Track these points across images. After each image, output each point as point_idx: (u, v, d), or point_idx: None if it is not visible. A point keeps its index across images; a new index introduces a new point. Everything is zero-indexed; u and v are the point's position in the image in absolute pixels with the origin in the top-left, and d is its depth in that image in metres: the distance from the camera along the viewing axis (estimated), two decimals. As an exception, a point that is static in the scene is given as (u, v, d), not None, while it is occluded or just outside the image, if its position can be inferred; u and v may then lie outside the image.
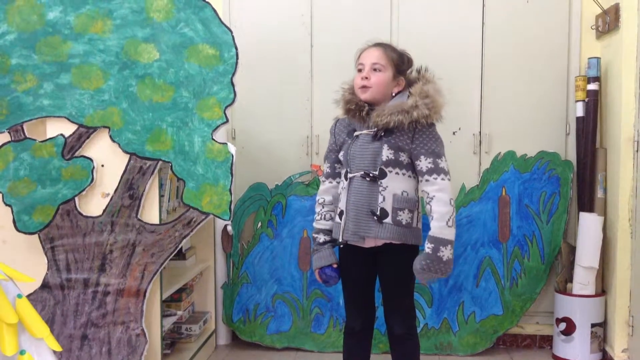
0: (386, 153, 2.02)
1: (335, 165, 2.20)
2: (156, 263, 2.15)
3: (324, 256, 2.14)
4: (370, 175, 2.03)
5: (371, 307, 2.20)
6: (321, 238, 2.17)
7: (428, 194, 2.02)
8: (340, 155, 2.14)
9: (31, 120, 2.14)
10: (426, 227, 2.07)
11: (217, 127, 2.17)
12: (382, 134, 2.04)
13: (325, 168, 2.24)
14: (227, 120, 2.19)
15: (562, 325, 2.81)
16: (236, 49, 2.15)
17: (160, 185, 2.27)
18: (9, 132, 2.15)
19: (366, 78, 2.05)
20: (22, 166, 2.14)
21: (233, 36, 2.16)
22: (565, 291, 2.84)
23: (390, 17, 2.98)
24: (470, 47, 2.97)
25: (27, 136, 2.15)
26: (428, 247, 1.99)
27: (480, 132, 2.98)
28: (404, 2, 2.97)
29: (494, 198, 2.94)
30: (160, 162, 2.16)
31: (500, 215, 2.94)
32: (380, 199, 2.03)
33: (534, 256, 2.93)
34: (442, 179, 2.02)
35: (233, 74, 2.16)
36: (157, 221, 2.19)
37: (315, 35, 3.05)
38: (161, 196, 2.27)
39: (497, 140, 2.97)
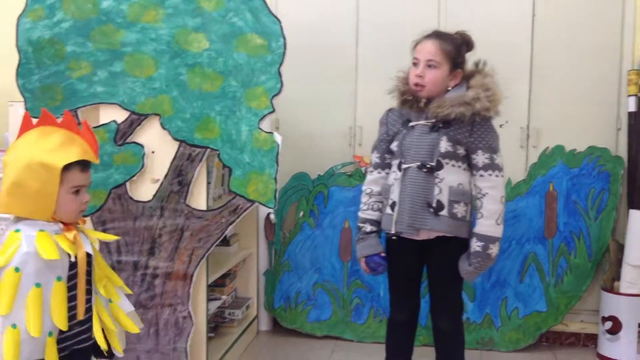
0: (445, 145, 2.00)
1: (385, 155, 2.17)
2: (203, 248, 2.19)
3: (371, 244, 2.13)
4: (427, 166, 2.00)
5: (417, 299, 2.19)
6: (367, 227, 2.15)
7: (480, 190, 2.00)
8: (394, 146, 2.11)
9: (85, 106, 2.21)
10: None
11: (264, 116, 2.19)
12: (441, 125, 2.01)
13: (374, 158, 2.21)
14: (274, 110, 2.21)
15: (608, 324, 2.75)
16: (284, 38, 2.16)
17: (208, 174, 2.31)
18: (64, 118, 2.21)
19: (420, 76, 2.02)
20: (76, 151, 2.20)
21: (281, 26, 2.17)
22: (612, 289, 2.77)
23: (439, 6, 2.94)
24: (519, 38, 2.91)
25: (81, 122, 2.21)
26: (477, 245, 1.97)
27: (528, 125, 2.93)
28: (453, -8, 2.94)
29: (541, 193, 2.89)
30: (208, 150, 2.19)
31: (546, 211, 2.88)
32: (437, 190, 2.00)
33: (580, 253, 2.87)
34: (496, 176, 2.00)
35: (280, 64, 2.17)
36: (204, 207, 2.23)
37: (361, 25, 3.04)
38: (208, 183, 2.31)
39: (546, 134, 2.92)
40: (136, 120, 2.19)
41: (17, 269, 1.35)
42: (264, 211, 3.07)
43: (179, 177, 2.20)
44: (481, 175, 2.00)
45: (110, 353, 1.56)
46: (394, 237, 2.07)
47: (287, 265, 3.08)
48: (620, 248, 2.79)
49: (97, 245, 1.57)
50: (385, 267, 2.14)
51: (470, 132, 2.00)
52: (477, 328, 2.91)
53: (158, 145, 2.20)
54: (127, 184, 2.20)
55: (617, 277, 2.78)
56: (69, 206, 1.45)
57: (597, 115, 2.89)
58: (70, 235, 1.44)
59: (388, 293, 2.28)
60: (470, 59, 2.14)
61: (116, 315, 1.59)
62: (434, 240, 2.05)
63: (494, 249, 1.98)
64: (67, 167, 1.42)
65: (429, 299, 2.17)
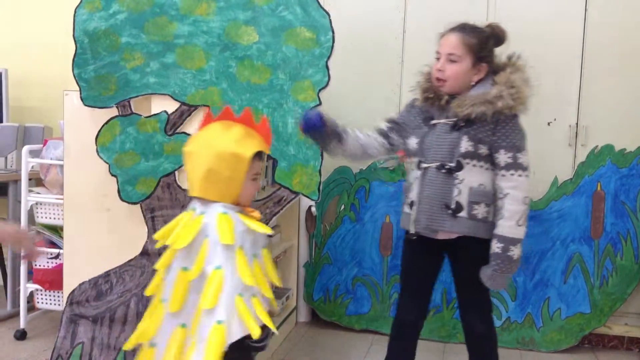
0: (465, 145, 1.91)
1: (391, 127, 2.12)
2: (248, 238, 2.23)
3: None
4: (446, 167, 1.93)
5: (427, 301, 2.13)
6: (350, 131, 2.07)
7: (502, 190, 1.91)
8: (414, 143, 2.03)
9: (137, 96, 2.26)
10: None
11: (311, 109, 2.20)
12: (462, 124, 1.92)
13: (382, 124, 2.15)
14: (320, 103, 2.23)
15: (655, 329, 2.69)
16: (333, 32, 2.18)
17: (252, 164, 2.34)
18: (117, 107, 2.28)
19: (441, 70, 1.94)
20: (128, 140, 2.27)
21: (330, 20, 2.18)
22: (660, 293, 2.71)
23: (487, 3, 2.91)
24: (571, 35, 2.85)
25: (134, 111, 2.27)
26: (497, 246, 1.89)
27: (577, 123, 2.87)
28: (503, -14, 2.90)
29: (588, 193, 2.84)
30: (255, 141, 2.22)
31: (593, 211, 2.83)
32: (456, 192, 1.92)
33: (627, 255, 2.81)
34: (519, 175, 1.90)
35: (328, 58, 2.18)
36: (249, 198, 2.26)
37: (408, 20, 3.03)
38: (253, 174, 2.34)
39: (595, 133, 2.86)
40: (186, 111, 2.24)
41: (240, 247, 1.53)
42: (305, 204, 3.10)
43: (226, 168, 2.24)
44: (503, 175, 1.91)
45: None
46: (413, 237, 2.01)
47: (327, 258, 3.11)
48: (670, 251, 2.72)
49: None
50: (319, 119, 1.93)
51: (494, 130, 1.91)
52: (517, 327, 2.88)
53: (206, 136, 2.25)
54: (176, 172, 2.25)
55: (665, 281, 2.71)
56: (249, 191, 1.63)
57: (649, 114, 2.82)
58: (256, 214, 1.63)
59: (396, 306, 2.20)
60: (522, 55, 1.99)
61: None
62: (456, 239, 1.97)
63: (515, 251, 1.89)
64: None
65: (458, 302, 2.11)
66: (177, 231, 1.59)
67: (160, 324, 1.61)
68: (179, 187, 2.25)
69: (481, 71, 1.94)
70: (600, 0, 2.82)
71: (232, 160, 1.56)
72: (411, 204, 2.00)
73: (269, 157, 2.24)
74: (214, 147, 1.58)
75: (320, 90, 2.21)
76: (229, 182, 1.57)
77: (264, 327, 1.53)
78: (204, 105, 2.22)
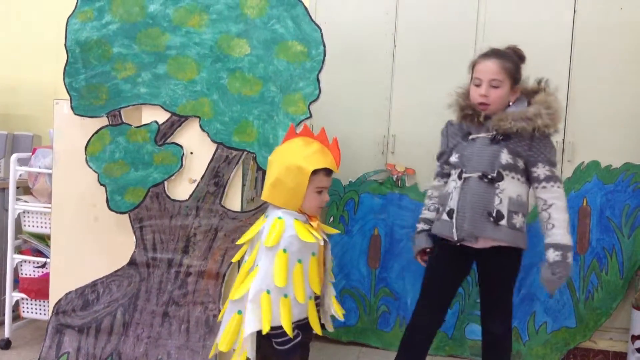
0: (506, 157, 2.05)
1: (444, 165, 2.25)
2: (236, 248, 2.22)
3: (420, 241, 2.25)
4: (489, 176, 2.05)
5: (445, 309, 2.21)
6: (419, 227, 2.27)
7: (546, 201, 2.05)
8: (454, 158, 2.15)
9: (128, 106, 2.27)
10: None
11: (301, 121, 2.22)
12: (501, 138, 2.06)
13: (438, 167, 2.30)
14: (311, 116, 2.24)
15: (638, 343, 2.71)
16: (324, 46, 2.20)
17: (243, 176, 2.35)
18: (107, 117, 2.28)
19: (485, 96, 2.07)
20: (118, 149, 2.27)
21: (322, 34, 2.21)
22: (644, 309, 2.74)
23: (477, 16, 2.94)
24: (558, 50, 2.89)
25: (124, 121, 2.28)
26: (556, 254, 2.01)
27: (563, 139, 2.91)
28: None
29: (574, 208, 2.86)
30: (245, 153, 2.24)
31: (579, 226, 2.86)
32: (497, 200, 2.04)
33: (612, 270, 2.84)
34: (559, 187, 2.06)
35: (319, 71, 2.21)
36: (238, 209, 2.27)
37: (398, 35, 3.06)
38: (243, 185, 2.35)
39: (581, 149, 2.89)
40: (177, 121, 2.25)
41: (285, 250, 1.69)
42: (294, 215, 3.10)
43: (215, 179, 2.25)
44: (544, 187, 2.05)
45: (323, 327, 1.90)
46: (457, 244, 2.09)
47: (316, 270, 3.11)
48: (654, 267, 2.75)
49: None
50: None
51: (530, 146, 2.05)
52: (512, 346, 2.88)
53: (197, 147, 2.26)
54: (166, 183, 2.26)
55: (649, 296, 2.74)
56: (313, 202, 1.78)
57: (634, 131, 2.85)
58: (315, 223, 1.78)
59: (415, 301, 2.28)
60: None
61: (329, 297, 1.92)
62: (490, 249, 2.08)
63: (570, 257, 2.03)
64: (315, 172, 1.75)
65: (481, 307, 2.21)
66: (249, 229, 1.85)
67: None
68: (168, 197, 2.25)
69: (516, 92, 2.11)
70: (588, 17, 2.87)
71: (297, 172, 1.74)
72: (450, 212, 2.10)
73: (259, 168, 2.26)
74: (286, 159, 1.77)
75: (311, 103, 2.23)
76: (293, 192, 1.75)
77: (296, 330, 1.71)
78: (195, 116, 2.23)
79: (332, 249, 3.08)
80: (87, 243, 2.34)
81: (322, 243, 1.78)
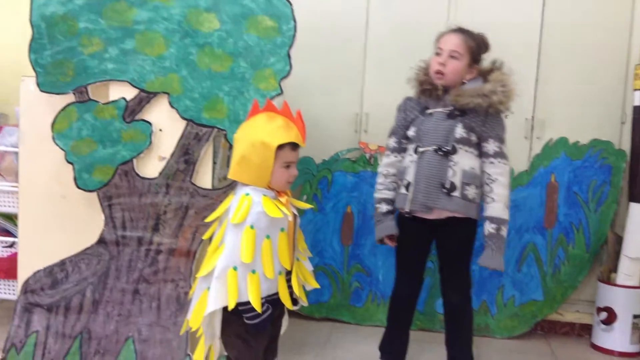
0: (460, 131, 2.14)
1: (402, 140, 2.30)
2: (207, 226, 2.21)
3: (387, 227, 2.28)
4: (443, 150, 2.14)
5: (421, 275, 2.34)
6: (384, 207, 2.29)
7: (490, 175, 2.15)
8: (412, 132, 2.24)
9: (95, 82, 2.23)
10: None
11: (272, 98, 2.20)
12: (457, 113, 2.15)
13: (392, 143, 2.33)
14: (282, 92, 2.23)
15: (603, 315, 2.80)
16: (295, 21, 2.18)
17: (214, 154, 2.33)
18: (74, 93, 2.24)
19: (442, 64, 2.16)
20: (85, 126, 2.23)
21: (292, 9, 2.18)
22: (609, 281, 2.81)
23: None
24: (528, 30, 2.92)
25: (91, 98, 2.24)
26: (491, 227, 2.13)
27: (533, 117, 2.95)
28: (463, -19, 2.94)
29: (543, 184, 2.92)
30: (215, 130, 2.22)
31: (547, 202, 2.92)
32: (451, 173, 2.13)
33: (579, 244, 2.91)
34: (505, 164, 2.16)
35: (290, 47, 2.19)
36: (209, 186, 2.26)
37: (371, 14, 3.05)
38: (214, 163, 2.34)
39: (550, 126, 2.94)
40: (145, 98, 2.22)
41: (252, 226, 1.67)
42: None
43: (185, 156, 2.23)
44: (491, 162, 2.15)
45: (294, 302, 1.86)
46: (407, 215, 2.21)
47: (289, 247, 3.12)
48: (619, 240, 2.82)
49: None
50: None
51: (484, 122, 2.15)
52: (473, 315, 2.94)
53: (166, 124, 2.23)
54: (134, 160, 2.23)
55: (614, 268, 2.82)
56: (281, 177, 1.76)
57: (602, 108, 2.91)
58: (283, 199, 1.77)
59: (387, 277, 2.37)
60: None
61: (303, 272, 1.91)
62: (445, 220, 2.18)
63: (504, 231, 2.13)
64: (281, 146, 1.72)
65: (440, 277, 2.30)
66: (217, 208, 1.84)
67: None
68: (137, 175, 2.23)
69: (473, 72, 2.20)
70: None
71: (262, 148, 1.72)
72: (407, 185, 2.19)
73: (231, 146, 2.24)
74: (250, 135, 1.75)
75: (282, 79, 2.21)
76: (259, 169, 1.73)
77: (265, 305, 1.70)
78: (164, 93, 2.20)
79: (305, 226, 3.14)
80: (56, 222, 2.31)
81: (290, 219, 1.78)
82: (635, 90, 2.80)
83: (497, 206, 2.12)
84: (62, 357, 2.21)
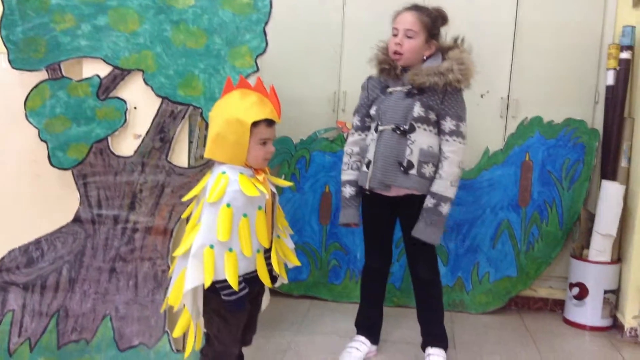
0: (418, 110, 2.15)
1: (365, 119, 2.32)
2: (183, 204, 2.22)
3: (350, 215, 2.31)
4: (401, 129, 2.15)
5: (389, 248, 2.40)
6: (347, 192, 2.32)
7: (444, 153, 2.16)
8: (373, 110, 2.26)
9: (68, 59, 2.20)
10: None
11: (248, 75, 2.20)
12: (416, 92, 2.16)
13: (355, 121, 2.35)
14: (258, 69, 2.22)
15: (575, 290, 2.86)
16: (270, -2, 2.17)
17: (190, 132, 2.32)
18: (46, 70, 2.21)
19: (399, 44, 2.16)
20: (58, 104, 2.21)
21: (267, -15, 2.17)
22: (581, 257, 2.87)
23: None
24: (504, 10, 2.94)
25: (64, 75, 2.21)
26: (430, 202, 2.14)
27: (508, 96, 2.98)
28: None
29: (517, 163, 2.96)
30: (190, 108, 2.21)
31: (522, 180, 2.96)
32: (408, 151, 2.15)
33: (552, 222, 2.96)
34: (460, 143, 2.16)
35: (266, 23, 2.18)
36: (185, 165, 2.25)
37: (348, -8, 3.04)
38: (190, 142, 2.33)
39: (525, 105, 2.97)
40: (119, 75, 2.20)
41: (228, 205, 1.68)
42: (245, 172, 3.09)
43: (160, 134, 2.22)
44: (446, 140, 2.16)
45: (274, 279, 1.89)
46: (367, 192, 2.25)
47: (267, 226, 3.13)
48: (591, 217, 2.88)
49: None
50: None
51: (442, 99, 2.15)
52: (448, 291, 3.00)
53: (140, 101, 2.21)
54: (109, 138, 2.22)
55: (586, 245, 2.88)
56: (257, 155, 1.76)
57: (576, 87, 2.95)
58: (261, 177, 1.77)
59: (364, 255, 2.40)
60: (455, 32, 2.26)
61: (283, 249, 1.92)
62: (404, 197, 2.20)
63: (444, 208, 2.14)
64: (256, 123, 1.72)
65: (406, 254, 2.33)
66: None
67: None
68: (112, 153, 2.22)
69: (431, 47, 2.20)
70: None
71: (237, 126, 1.71)
72: (368, 164, 2.22)
73: (207, 125, 2.24)
74: (225, 113, 1.74)
75: (258, 56, 2.20)
76: (235, 146, 1.72)
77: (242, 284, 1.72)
78: (138, 70, 2.18)
79: (283, 206, 3.13)
80: (30, 200, 2.29)
81: (268, 197, 1.78)
82: (609, 69, 2.85)
83: (442, 183, 2.13)
84: (39, 335, 2.21)
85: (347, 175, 2.33)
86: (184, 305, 1.78)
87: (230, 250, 1.70)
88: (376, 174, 2.19)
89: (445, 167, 2.14)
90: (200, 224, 1.71)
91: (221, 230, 1.67)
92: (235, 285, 1.68)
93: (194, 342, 1.84)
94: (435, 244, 2.20)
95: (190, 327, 1.82)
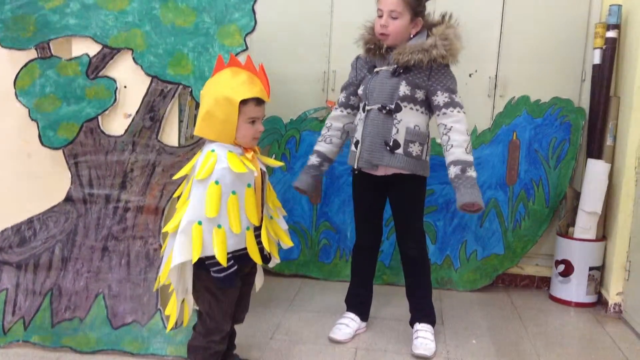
0: (403, 89, 2.15)
1: (351, 97, 2.35)
2: (174, 183, 2.24)
3: (302, 180, 2.37)
4: (387, 108, 2.16)
5: (379, 227, 2.43)
6: (312, 160, 2.37)
7: (445, 125, 2.13)
8: (360, 90, 2.27)
9: (57, 38, 2.19)
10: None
11: (238, 54, 2.20)
12: (401, 70, 2.16)
13: (341, 97, 2.38)
14: (247, 48, 2.22)
15: (561, 267, 2.91)
16: (259, -24, 2.17)
17: (180, 111, 2.33)
18: (35, 49, 2.20)
19: (384, 26, 2.16)
20: (48, 83, 2.20)
21: (256, -37, 2.17)
22: (566, 235, 2.92)
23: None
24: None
25: (53, 54, 2.20)
26: (456, 169, 2.06)
27: (496, 75, 3.00)
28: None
29: (505, 142, 2.99)
30: (180, 87, 2.21)
31: (509, 159, 3.00)
32: (394, 131, 2.16)
33: (539, 200, 3.01)
34: (459, 112, 2.14)
35: (255, 2, 2.18)
36: (176, 144, 2.27)
37: (337, -31, 3.03)
38: (180, 121, 2.34)
39: (513, 85, 3.00)
40: (109, 54, 2.20)
41: (217, 182, 1.70)
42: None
43: (150, 113, 2.22)
44: (444, 113, 2.14)
45: (267, 259, 1.93)
46: (356, 172, 2.29)
47: (258, 206, 3.15)
48: (577, 196, 2.93)
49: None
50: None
51: (429, 76, 2.15)
52: (437, 269, 3.04)
53: (130, 80, 2.21)
54: (99, 118, 2.22)
55: (572, 223, 2.93)
56: (246, 133, 1.77)
57: (563, 66, 2.97)
58: (249, 155, 1.78)
59: (354, 234, 2.44)
60: (442, 10, 2.25)
61: (276, 230, 1.96)
62: (392, 176, 2.23)
63: (471, 172, 2.06)
64: (244, 102, 1.73)
65: (395, 231, 2.36)
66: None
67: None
68: (103, 132, 2.22)
69: (417, 25, 2.19)
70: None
71: (226, 104, 1.72)
72: (356, 143, 2.24)
73: (197, 104, 2.24)
74: (215, 91, 1.75)
75: (246, 34, 2.20)
76: (224, 124, 1.74)
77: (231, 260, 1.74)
78: (127, 48, 2.18)
79: (274, 185, 3.16)
80: (21, 180, 2.30)
81: (256, 174, 1.80)
82: (595, 48, 2.87)
83: (457, 150, 2.07)
84: (33, 314, 2.23)
85: (318, 146, 2.38)
86: (168, 282, 1.81)
87: (219, 226, 1.71)
88: (363, 154, 2.21)
89: (453, 136, 2.09)
90: (189, 200, 1.73)
91: (209, 206, 1.69)
92: (223, 262, 1.70)
93: (177, 317, 1.87)
94: (481, 207, 2.05)
95: (174, 303, 1.84)
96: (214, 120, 1.75)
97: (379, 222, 2.41)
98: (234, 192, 1.74)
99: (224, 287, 1.79)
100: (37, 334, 2.22)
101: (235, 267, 1.76)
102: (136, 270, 2.26)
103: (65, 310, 2.24)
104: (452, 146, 2.10)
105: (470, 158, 2.08)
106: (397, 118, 2.16)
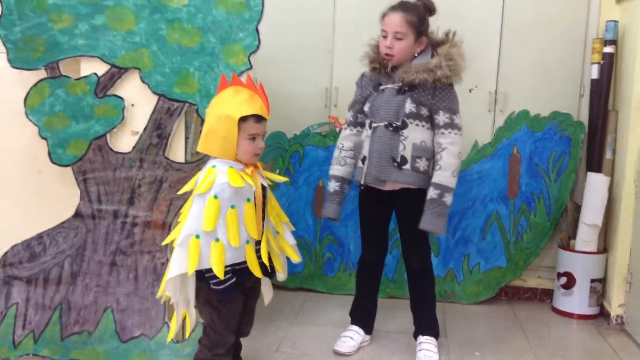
0: (409, 106, 2.20)
1: (358, 115, 2.39)
2: (181, 199, 2.28)
3: (330, 210, 2.39)
4: (393, 125, 2.22)
5: (384, 242, 2.46)
6: (332, 187, 2.39)
7: (441, 145, 2.21)
8: (366, 107, 2.32)
9: (66, 58, 2.25)
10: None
11: (242, 72, 2.26)
12: (406, 88, 2.21)
13: (349, 117, 2.42)
14: (251, 67, 2.28)
15: (563, 280, 2.94)
16: (263, -4, 2.23)
17: (186, 128, 2.38)
18: (45, 69, 2.27)
19: (390, 47, 2.21)
20: (57, 102, 2.26)
21: (260, -16, 2.23)
22: (568, 247, 2.95)
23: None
24: (491, 5, 3.00)
25: (62, 74, 2.26)
26: (434, 193, 2.18)
27: (496, 90, 3.05)
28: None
29: (505, 155, 3.03)
30: (187, 105, 2.27)
31: (510, 173, 3.03)
32: (401, 147, 2.21)
33: (540, 213, 3.04)
34: (456, 134, 2.21)
35: (258, 22, 2.24)
36: (182, 160, 2.31)
37: (340, -10, 3.09)
38: (186, 138, 2.39)
39: (512, 99, 3.04)
40: (116, 73, 2.26)
41: (215, 196, 1.75)
42: (240, 168, 3.15)
43: (158, 130, 2.28)
44: (442, 133, 2.21)
45: (271, 273, 1.95)
46: (362, 188, 2.33)
47: (263, 221, 3.19)
48: (577, 208, 2.96)
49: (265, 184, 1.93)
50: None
51: (433, 95, 2.20)
52: (440, 282, 3.07)
53: (138, 99, 2.27)
54: (108, 135, 2.27)
55: (573, 235, 2.96)
56: (246, 149, 1.82)
57: (562, 81, 3.02)
58: (249, 170, 1.82)
59: (357, 248, 2.49)
60: (442, 27, 2.31)
61: (282, 244, 2.00)
62: (400, 191, 2.27)
63: (448, 198, 2.19)
64: (244, 119, 1.79)
65: (401, 244, 2.40)
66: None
67: None
68: (111, 149, 2.27)
69: (422, 43, 2.25)
70: (520, -27, 2.98)
71: (226, 121, 1.78)
72: (363, 159, 2.29)
73: (202, 121, 2.29)
74: (217, 109, 1.81)
75: (251, 54, 2.26)
76: (225, 141, 1.79)
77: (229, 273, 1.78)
78: (134, 68, 2.24)
79: (278, 200, 3.15)
80: (32, 196, 2.35)
81: (254, 189, 1.83)
82: (593, 63, 2.92)
83: (443, 174, 2.17)
84: (43, 328, 2.27)
85: (334, 170, 2.41)
86: (167, 294, 1.84)
87: (217, 240, 1.75)
88: (371, 170, 2.26)
89: (445, 158, 2.19)
90: (188, 214, 1.78)
91: (206, 220, 1.73)
92: (220, 274, 1.74)
93: (177, 329, 1.91)
94: (442, 234, 2.25)
95: (174, 315, 1.88)
96: (215, 136, 1.80)
97: (384, 237, 2.45)
98: (232, 206, 1.78)
99: (224, 299, 1.82)
100: (47, 348, 2.26)
101: (234, 280, 1.80)
102: (144, 285, 2.30)
103: (74, 324, 2.28)
104: (440, 167, 2.19)
105: (452, 183, 2.19)
106: (403, 134, 2.21)
